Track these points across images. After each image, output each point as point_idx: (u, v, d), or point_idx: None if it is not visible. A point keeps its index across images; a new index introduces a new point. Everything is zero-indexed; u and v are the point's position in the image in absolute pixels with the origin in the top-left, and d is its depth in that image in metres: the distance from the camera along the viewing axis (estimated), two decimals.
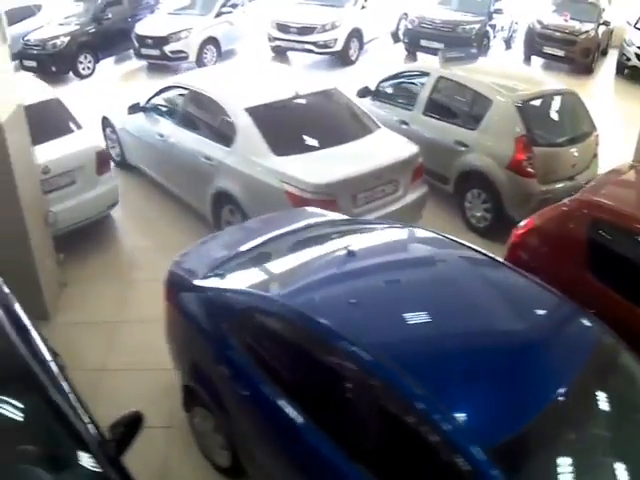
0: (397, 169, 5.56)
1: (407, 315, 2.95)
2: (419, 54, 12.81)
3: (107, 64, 13.15)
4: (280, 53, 12.58)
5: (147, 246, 6.23)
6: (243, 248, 3.85)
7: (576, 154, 6.61)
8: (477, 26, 12.12)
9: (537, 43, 13.10)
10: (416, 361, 2.67)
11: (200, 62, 11.80)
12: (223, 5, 12.30)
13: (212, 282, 3.55)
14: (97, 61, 12.73)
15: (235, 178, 5.46)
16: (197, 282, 3.60)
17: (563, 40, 12.93)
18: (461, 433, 2.35)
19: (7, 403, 2.52)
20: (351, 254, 3.35)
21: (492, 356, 2.74)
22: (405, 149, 5.72)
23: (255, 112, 5.56)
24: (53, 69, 12.66)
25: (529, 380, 2.58)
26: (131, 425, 2.72)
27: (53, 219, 5.43)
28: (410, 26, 12.37)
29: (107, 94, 10.25)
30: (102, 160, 6.08)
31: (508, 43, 14.19)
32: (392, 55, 13.00)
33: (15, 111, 4.98)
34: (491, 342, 2.83)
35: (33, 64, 13.12)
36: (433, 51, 12.26)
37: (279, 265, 3.68)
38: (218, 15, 12.12)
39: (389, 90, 7.40)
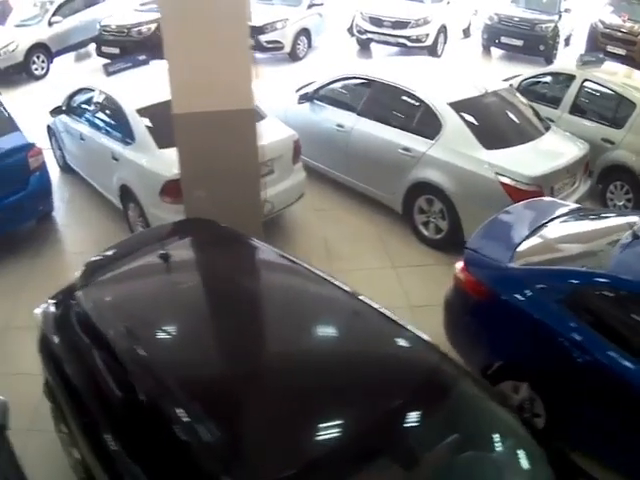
0: (579, 163, 6.24)
1: None
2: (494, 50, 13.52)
3: None
4: (364, 46, 13.12)
5: (335, 236, 6.48)
6: (529, 231, 4.43)
7: None
8: (552, 25, 12.80)
9: (600, 42, 13.79)
10: None
11: (294, 53, 12.26)
12: None
13: (528, 264, 4.08)
14: None
15: (441, 169, 6.01)
16: (510, 264, 4.12)
17: (624, 40, 13.67)
18: None
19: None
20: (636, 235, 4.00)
21: None
22: (582, 146, 6.40)
23: (458, 107, 6.12)
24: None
25: None
26: None
27: (269, 209, 5.67)
28: (489, 22, 12.98)
29: None
30: (297, 149, 6.41)
31: (567, 41, 14.89)
32: (466, 50, 13.62)
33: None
34: None
35: (115, 51, 13.22)
36: (510, 47, 13.03)
37: (583, 244, 4.31)
38: (310, 6, 12.57)
39: (531, 89, 8.04)
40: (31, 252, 6.61)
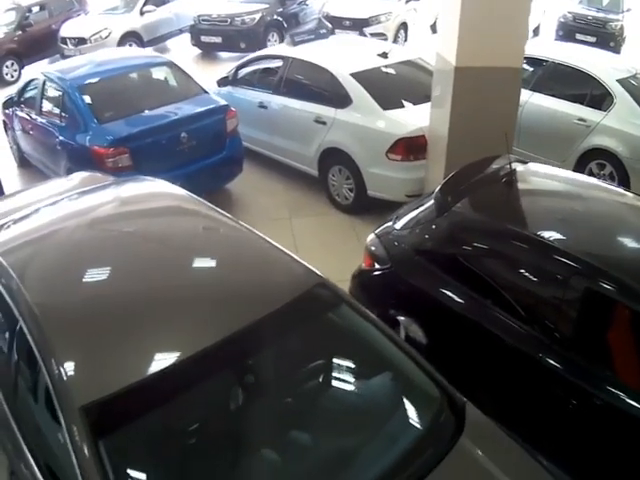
0: None
1: None
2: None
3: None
4: None
5: None
6: None
7: None
8: (620, 23, 14.16)
9: None
10: None
11: None
12: None
13: None
14: (281, 41, 13.51)
15: (614, 136, 7.15)
16: None
17: None
18: None
19: None
20: None
21: None
22: None
23: (623, 83, 7.31)
24: (242, 46, 13.41)
25: None
26: None
27: None
28: (563, 20, 14.30)
29: None
30: None
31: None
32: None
33: None
34: None
35: (217, 40, 14.01)
36: (584, 44, 14.31)
37: None
38: (408, 1, 13.74)
39: None
40: None
